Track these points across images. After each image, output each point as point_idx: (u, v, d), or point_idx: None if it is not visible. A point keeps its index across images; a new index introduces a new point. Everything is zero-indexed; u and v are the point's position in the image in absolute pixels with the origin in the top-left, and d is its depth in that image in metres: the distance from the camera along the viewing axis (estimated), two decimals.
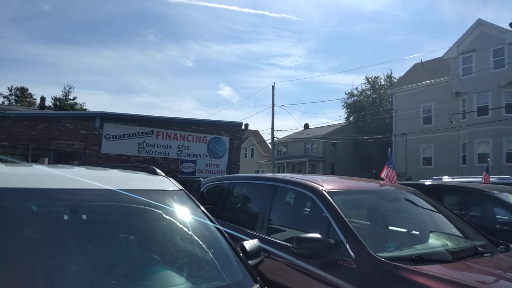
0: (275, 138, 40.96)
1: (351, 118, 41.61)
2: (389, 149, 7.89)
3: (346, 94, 43.18)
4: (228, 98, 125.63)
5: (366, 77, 42.01)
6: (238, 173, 19.36)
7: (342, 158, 41.05)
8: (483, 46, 23.62)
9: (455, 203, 5.83)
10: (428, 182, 6.83)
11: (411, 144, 28.83)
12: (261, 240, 2.62)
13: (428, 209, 3.69)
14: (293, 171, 43.10)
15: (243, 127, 21.24)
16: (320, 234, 2.64)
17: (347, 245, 2.56)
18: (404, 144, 29.24)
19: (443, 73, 27.13)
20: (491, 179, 7.74)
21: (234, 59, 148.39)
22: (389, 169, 4.94)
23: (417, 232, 3.36)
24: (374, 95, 40.61)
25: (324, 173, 39.86)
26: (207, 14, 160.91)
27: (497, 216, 4.87)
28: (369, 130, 37.54)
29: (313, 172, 40.85)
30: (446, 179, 8.94)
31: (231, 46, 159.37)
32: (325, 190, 3.09)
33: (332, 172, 40.64)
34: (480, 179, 7.92)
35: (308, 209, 3.47)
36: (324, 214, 2.89)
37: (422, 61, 31.06)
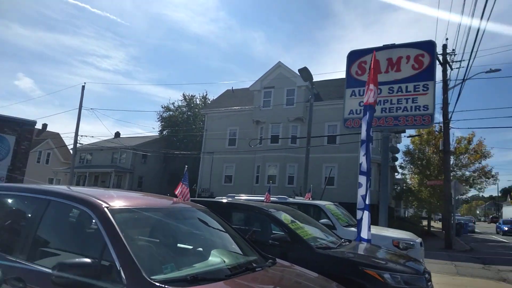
0: (79, 144, 36.81)
1: (164, 132, 41.70)
2: (186, 166, 7.89)
3: (162, 107, 43.23)
4: (27, 91, 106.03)
5: (183, 94, 43.46)
6: (22, 180, 16.24)
7: (151, 172, 40.36)
8: (280, 84, 28.05)
9: (242, 220, 6.46)
10: (224, 200, 7.41)
11: (217, 163, 31.01)
12: (15, 268, 2.12)
13: (214, 226, 3.86)
14: (95, 182, 39.56)
15: (38, 127, 18.12)
16: (92, 258, 2.34)
17: (121, 269, 2.35)
18: (211, 162, 31.19)
19: (249, 102, 30.66)
20: (272, 198, 9.01)
21: (41, 49, 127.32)
22: (184, 186, 5.01)
23: (201, 249, 3.43)
24: (189, 113, 42.10)
25: (131, 186, 38.17)
26: None
27: (274, 232, 5.60)
28: (181, 146, 38.44)
29: (119, 184, 38.57)
30: (242, 196, 9.91)
31: (39, 33, 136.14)
32: (106, 207, 2.81)
33: (139, 185, 39.37)
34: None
35: (88, 229, 3.08)
36: (101, 234, 2.59)
37: (233, 88, 34.42)
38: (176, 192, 5.30)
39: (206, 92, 55.78)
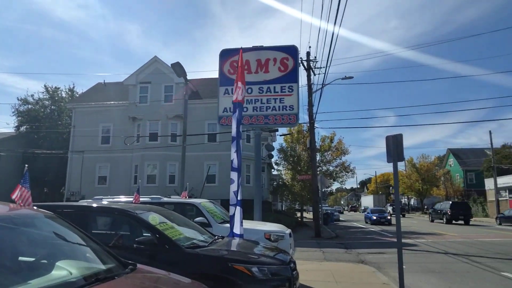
0: None
1: (22, 128, 36.14)
2: (26, 165, 6.87)
3: (19, 100, 37.36)
4: None
5: (45, 86, 38.22)
6: None
7: (7, 173, 34.53)
8: (158, 80, 27.08)
9: (108, 224, 5.99)
10: (84, 203, 6.75)
11: (88, 162, 28.34)
12: None
13: (62, 234, 3.44)
14: None
15: None
16: None
17: None
18: (81, 162, 28.35)
19: (123, 97, 28.79)
20: (145, 199, 8.63)
21: None
22: (23, 189, 4.29)
23: (45, 261, 3.02)
24: (53, 107, 37.36)
25: None
26: None
27: (144, 235, 5.32)
28: (44, 144, 33.89)
29: None
30: (115, 198, 9.22)
31: None
32: None
33: None
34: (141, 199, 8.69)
35: None
36: None
37: (105, 81, 31.85)
38: (13, 197, 4.49)
39: (74, 84, 50.45)
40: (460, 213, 30.63)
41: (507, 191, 39.11)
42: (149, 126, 27.06)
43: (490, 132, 40.82)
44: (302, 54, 21.10)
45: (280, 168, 34.61)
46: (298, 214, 37.68)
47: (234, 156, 6.93)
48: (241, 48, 10.83)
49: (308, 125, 21.97)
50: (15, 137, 35.37)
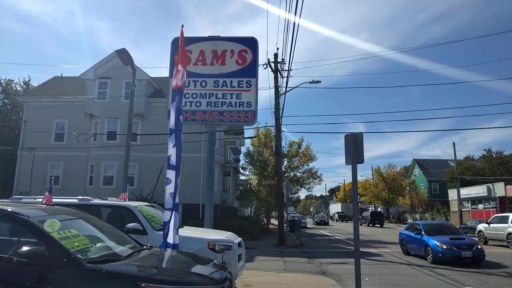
0: None
1: None
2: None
3: None
4: None
5: None
6: None
7: None
8: (118, 76, 25.45)
9: None
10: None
11: (39, 161, 26.26)
12: None
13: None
14: None
15: None
16: None
17: None
18: (32, 160, 26.24)
19: (81, 92, 26.98)
20: (72, 200, 7.43)
21: None
22: None
23: None
24: (6, 101, 34.74)
25: None
26: None
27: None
28: None
29: None
30: (36, 199, 7.97)
31: None
32: None
33: None
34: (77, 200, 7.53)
35: None
36: None
37: (63, 75, 29.79)
38: None
39: (29, 77, 47.23)
40: (377, 219, 45.34)
41: (470, 202, 39.93)
42: (108, 124, 25.39)
43: (454, 144, 41.70)
44: (270, 56, 20.49)
45: (247, 172, 33.69)
46: (265, 220, 36.85)
47: (172, 151, 5.92)
48: (200, 38, 9.92)
49: (275, 128, 21.20)
50: None
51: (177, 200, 6.03)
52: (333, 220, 65.13)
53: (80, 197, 7.68)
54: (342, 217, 61.83)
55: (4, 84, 35.58)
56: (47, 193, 6.74)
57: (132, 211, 7.20)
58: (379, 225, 44.24)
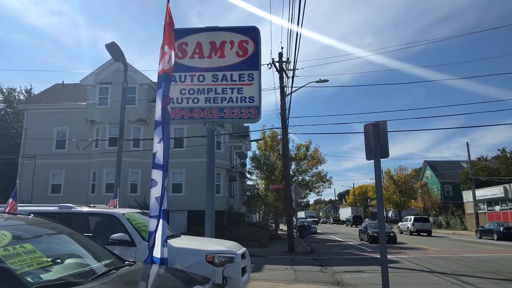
0: None
1: None
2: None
3: None
4: None
5: None
6: None
7: None
8: (119, 81, 24.72)
9: None
10: None
11: (41, 169, 25.66)
12: None
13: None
14: None
15: None
16: None
17: None
18: (33, 168, 25.64)
19: (82, 98, 26.38)
20: (51, 208, 6.58)
21: None
22: None
23: None
24: (8, 109, 34.33)
25: None
26: None
27: None
28: None
29: None
30: (27, 207, 7.13)
31: None
32: None
33: None
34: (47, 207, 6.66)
35: None
36: None
37: (64, 82, 29.23)
38: None
39: (31, 85, 46.83)
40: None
41: (485, 203, 38.44)
42: (109, 130, 24.68)
43: (467, 144, 40.35)
44: (274, 55, 19.64)
45: (254, 177, 32.69)
46: (274, 226, 35.77)
47: (158, 147, 5.03)
48: (196, 28, 9.09)
49: (281, 130, 20.26)
50: None
51: (165, 206, 5.14)
52: (347, 226, 63.51)
53: (61, 204, 6.82)
54: (356, 220, 59.53)
55: (6, 93, 35.25)
56: (11, 199, 5.88)
57: (119, 219, 6.31)
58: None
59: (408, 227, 34.30)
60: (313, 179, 30.30)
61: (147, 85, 25.59)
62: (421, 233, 32.89)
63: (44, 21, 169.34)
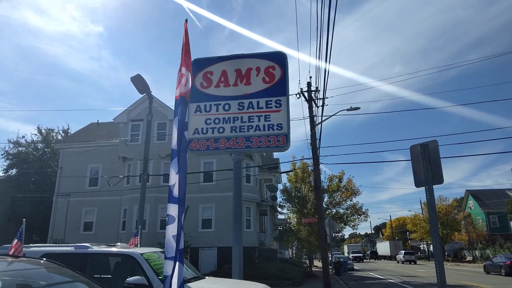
0: None
1: (11, 171, 34.31)
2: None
3: (10, 142, 35.93)
4: None
5: (38, 127, 36.91)
6: None
7: None
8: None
9: None
10: None
11: (74, 207, 26.03)
12: None
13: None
14: None
15: None
16: None
17: None
18: (66, 206, 26.05)
19: (115, 136, 27.01)
20: (67, 248, 6.22)
21: None
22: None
23: None
24: (46, 149, 35.73)
25: None
26: None
27: None
28: (32, 187, 31.89)
29: None
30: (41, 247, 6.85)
31: None
32: None
33: None
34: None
35: None
36: None
37: (99, 121, 30.26)
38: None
39: (68, 125, 49.06)
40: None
41: None
42: (140, 166, 24.89)
43: None
44: (302, 85, 19.35)
45: (285, 211, 31.64)
46: (308, 263, 34.09)
47: (174, 179, 4.55)
48: (221, 57, 8.94)
49: (312, 161, 19.57)
50: (3, 180, 33.45)
51: (181, 245, 4.62)
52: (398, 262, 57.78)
53: (77, 244, 6.47)
54: (409, 255, 51.69)
55: (44, 134, 36.83)
56: (16, 240, 5.49)
57: (137, 260, 5.83)
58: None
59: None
60: (348, 211, 28.92)
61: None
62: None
63: (84, 66, 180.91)
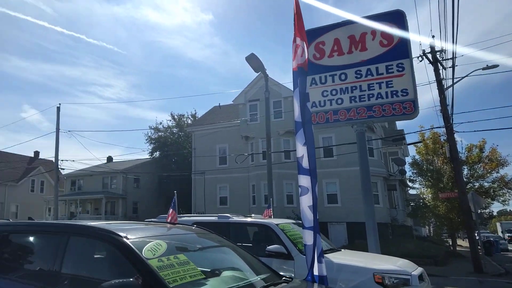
0: (69, 170, 35.38)
1: (155, 154, 40.15)
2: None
3: (150, 128, 41.95)
4: (35, 123, 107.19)
5: (171, 114, 42.31)
6: None
7: (145, 196, 38.47)
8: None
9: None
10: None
11: (209, 183, 28.91)
12: None
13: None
14: (89, 209, 37.95)
15: (30, 154, 16.72)
16: None
17: None
18: (203, 183, 29.14)
19: (236, 116, 28.80)
20: (211, 218, 6.92)
21: (43, 80, 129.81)
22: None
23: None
24: (180, 133, 40.57)
25: (125, 212, 36.23)
26: (9, 23, 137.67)
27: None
28: (173, 167, 36.64)
29: (112, 211, 36.72)
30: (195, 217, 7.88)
31: (39, 65, 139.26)
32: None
33: (135, 211, 37.41)
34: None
35: None
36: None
37: (220, 104, 32.69)
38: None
39: (195, 110, 54.21)
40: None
41: None
42: (261, 144, 26.01)
43: None
44: (424, 46, 17.19)
45: (417, 185, 29.26)
46: (450, 241, 31.06)
47: (302, 151, 4.57)
48: (332, 25, 8.51)
49: (445, 130, 17.50)
50: (150, 162, 39.48)
51: (317, 216, 4.63)
52: None
53: (219, 214, 7.13)
54: None
55: (177, 119, 41.76)
56: (171, 210, 6.31)
57: (273, 229, 6.08)
58: None
59: None
60: (495, 185, 25.20)
61: (291, 97, 26.19)
62: None
63: (200, 54, 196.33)
